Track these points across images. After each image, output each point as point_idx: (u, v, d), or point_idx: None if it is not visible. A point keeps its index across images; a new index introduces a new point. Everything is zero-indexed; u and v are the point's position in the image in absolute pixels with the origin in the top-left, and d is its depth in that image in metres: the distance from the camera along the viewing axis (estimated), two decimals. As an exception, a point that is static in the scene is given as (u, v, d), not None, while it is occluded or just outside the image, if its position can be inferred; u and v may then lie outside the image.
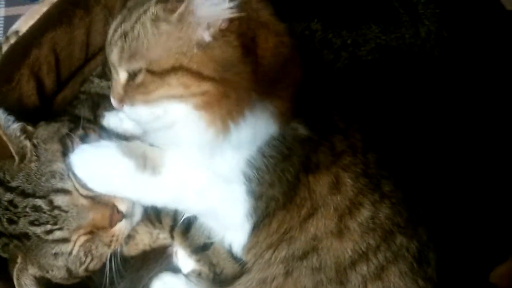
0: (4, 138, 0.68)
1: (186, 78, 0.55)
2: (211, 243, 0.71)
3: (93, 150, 0.66)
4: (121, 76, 0.60)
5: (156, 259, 0.80)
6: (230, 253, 0.70)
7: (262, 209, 0.62)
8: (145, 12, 0.57)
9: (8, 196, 0.69)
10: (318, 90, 0.64)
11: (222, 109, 0.55)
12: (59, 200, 0.67)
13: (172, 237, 0.77)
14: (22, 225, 0.68)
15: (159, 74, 0.56)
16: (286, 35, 0.60)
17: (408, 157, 0.68)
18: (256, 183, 0.60)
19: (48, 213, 0.67)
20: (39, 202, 0.67)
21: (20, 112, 0.80)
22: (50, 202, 0.67)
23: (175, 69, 0.55)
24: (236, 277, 0.68)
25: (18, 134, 0.70)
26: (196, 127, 0.56)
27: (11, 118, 0.70)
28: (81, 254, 0.70)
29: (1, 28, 1.15)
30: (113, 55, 0.60)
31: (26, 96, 0.80)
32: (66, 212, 0.67)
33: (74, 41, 0.84)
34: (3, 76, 0.76)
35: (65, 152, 0.69)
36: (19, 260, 0.69)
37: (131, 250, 0.79)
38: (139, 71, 0.57)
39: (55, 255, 0.69)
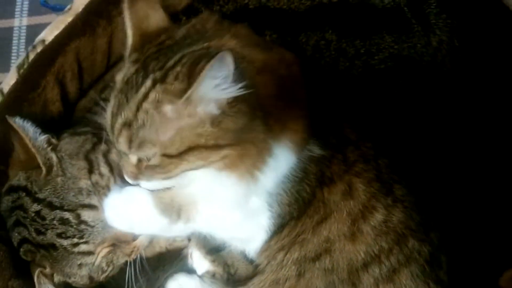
0: (33, 150, 0.70)
1: (204, 152, 0.55)
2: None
3: (125, 201, 0.66)
4: (133, 159, 0.59)
5: (171, 260, 0.81)
6: (244, 254, 0.71)
7: (279, 223, 0.63)
8: (144, 97, 0.54)
9: (36, 207, 0.70)
10: (329, 103, 0.65)
11: (246, 164, 0.56)
12: (86, 215, 0.70)
13: (188, 239, 0.79)
14: (50, 236, 0.70)
15: (176, 156, 0.55)
16: (288, 67, 0.60)
17: (418, 162, 0.69)
18: (276, 207, 0.62)
19: (75, 227, 0.69)
20: (67, 215, 0.69)
21: (45, 119, 0.82)
22: (78, 216, 0.69)
23: (192, 149, 0.55)
24: (250, 277, 0.68)
25: (45, 146, 0.72)
26: (225, 185, 0.57)
27: (38, 130, 0.72)
28: (103, 264, 0.72)
29: (24, 37, 1.19)
30: (121, 145, 0.57)
31: (51, 103, 0.83)
32: (92, 227, 0.70)
33: (97, 50, 0.87)
34: (30, 83, 0.79)
35: (90, 170, 0.71)
36: (47, 270, 0.71)
37: (148, 252, 0.80)
38: (153, 155, 0.56)
39: (80, 265, 0.72)
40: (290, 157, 0.60)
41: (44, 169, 0.70)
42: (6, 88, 0.79)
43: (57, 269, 0.72)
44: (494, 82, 0.72)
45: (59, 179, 0.70)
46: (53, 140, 0.73)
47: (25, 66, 0.80)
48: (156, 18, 0.60)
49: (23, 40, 1.17)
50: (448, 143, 0.72)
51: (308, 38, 0.74)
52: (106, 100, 0.86)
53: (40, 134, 0.72)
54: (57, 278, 0.73)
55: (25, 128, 0.71)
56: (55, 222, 0.69)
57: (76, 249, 0.70)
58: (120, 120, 0.56)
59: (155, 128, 0.54)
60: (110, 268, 0.73)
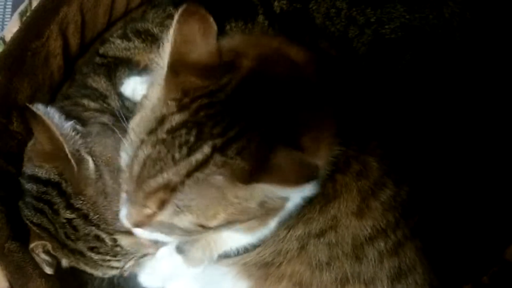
0: (60, 139, 0.64)
1: (236, 223, 0.52)
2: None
3: (156, 264, 0.67)
4: (148, 211, 0.51)
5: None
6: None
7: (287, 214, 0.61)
8: (200, 166, 0.47)
9: (69, 215, 0.66)
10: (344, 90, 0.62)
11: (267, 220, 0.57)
12: (123, 241, 0.66)
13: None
14: (80, 246, 0.67)
15: (212, 228, 0.51)
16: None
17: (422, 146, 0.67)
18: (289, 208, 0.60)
19: (110, 247, 0.66)
20: (103, 235, 0.66)
21: (45, 75, 0.81)
22: (114, 240, 0.66)
23: (230, 222, 0.51)
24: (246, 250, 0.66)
25: (72, 134, 0.67)
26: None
27: (62, 116, 0.68)
28: (125, 271, 0.71)
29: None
30: (150, 204, 0.50)
31: (53, 56, 0.80)
32: (127, 251, 0.67)
33: (100, 3, 0.84)
34: (34, 31, 0.76)
35: None
36: (64, 261, 0.70)
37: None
38: (186, 222, 0.50)
39: (104, 274, 0.70)
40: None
41: (74, 163, 0.65)
42: (8, 36, 0.75)
43: (76, 261, 0.69)
44: (505, 59, 0.70)
45: (101, 189, 0.65)
46: (78, 127, 0.68)
47: (28, 14, 0.76)
48: (204, 49, 0.49)
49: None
50: (453, 124, 0.70)
51: (318, 5, 0.72)
52: (103, 56, 0.81)
53: (65, 120, 0.68)
54: (64, 261, 0.70)
55: (50, 115, 0.66)
56: (89, 237, 0.66)
57: (106, 264, 0.68)
58: (158, 180, 0.48)
59: (203, 202, 0.49)
60: (127, 272, 0.72)
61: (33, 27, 0.76)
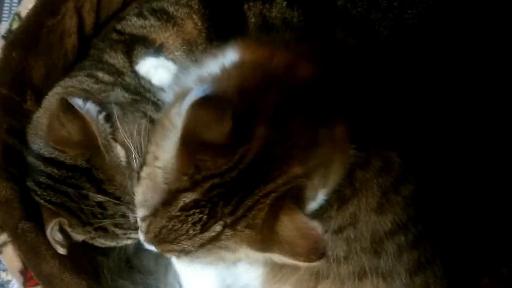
0: (96, 133, 0.65)
1: None
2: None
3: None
4: None
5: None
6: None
7: None
8: (212, 240, 0.51)
9: (100, 198, 0.66)
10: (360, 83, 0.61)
11: None
12: None
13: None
14: (107, 224, 0.67)
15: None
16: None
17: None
18: None
19: (133, 222, 0.66)
20: (128, 212, 0.66)
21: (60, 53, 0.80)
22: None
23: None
24: None
25: (104, 125, 0.67)
26: None
27: (96, 107, 0.68)
28: None
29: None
30: (166, 254, 0.54)
31: (67, 34, 0.78)
32: None
33: None
34: (49, 8, 0.74)
35: None
36: (78, 237, 0.69)
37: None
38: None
39: (120, 244, 0.70)
40: None
41: (105, 153, 0.66)
42: (24, 12, 0.74)
43: (92, 237, 0.69)
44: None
45: (128, 180, 0.66)
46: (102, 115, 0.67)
47: None
48: (218, 132, 0.48)
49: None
50: (474, 117, 0.68)
51: None
52: (120, 33, 0.79)
53: (98, 112, 0.67)
54: (79, 236, 0.70)
55: (88, 111, 0.66)
56: (117, 215, 0.67)
57: (126, 236, 0.69)
58: (174, 246, 0.52)
59: (216, 257, 0.53)
60: None
61: (49, 4, 0.75)
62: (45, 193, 0.68)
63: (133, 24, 0.77)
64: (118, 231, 0.68)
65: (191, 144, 0.48)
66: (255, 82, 0.53)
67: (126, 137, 0.67)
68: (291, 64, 0.56)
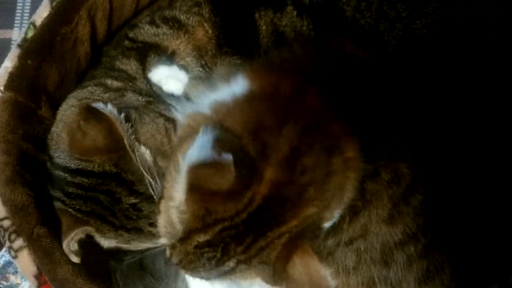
0: (122, 134, 0.65)
1: None
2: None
3: None
4: None
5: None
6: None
7: None
8: (228, 273, 0.53)
9: (133, 200, 0.67)
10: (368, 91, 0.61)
11: None
12: None
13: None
14: (142, 224, 0.68)
15: None
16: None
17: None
18: None
19: None
20: None
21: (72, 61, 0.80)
22: None
23: None
24: None
25: (126, 125, 0.67)
26: None
27: (115, 108, 0.68)
28: None
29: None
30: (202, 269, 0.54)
31: (80, 42, 0.79)
32: None
33: None
34: (63, 16, 0.76)
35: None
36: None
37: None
38: None
39: (152, 243, 0.69)
40: None
41: (132, 154, 0.66)
42: (38, 21, 0.75)
43: (126, 240, 0.69)
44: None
45: (156, 178, 0.66)
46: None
47: None
48: (222, 183, 0.49)
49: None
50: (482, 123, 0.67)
51: None
52: (133, 40, 0.80)
53: (118, 113, 0.67)
54: (110, 241, 0.70)
55: (111, 112, 0.66)
56: (151, 214, 0.67)
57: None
58: (194, 274, 0.55)
59: (233, 283, 0.55)
60: None
61: (63, 13, 0.76)
62: (74, 202, 0.68)
63: (146, 32, 0.78)
64: (154, 230, 0.67)
65: (199, 192, 0.50)
66: (266, 119, 0.53)
67: (147, 137, 0.68)
68: (300, 92, 0.56)
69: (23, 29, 0.78)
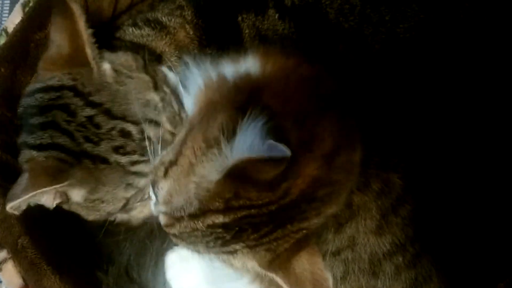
0: (85, 37, 0.61)
1: None
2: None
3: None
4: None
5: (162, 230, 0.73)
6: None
7: None
8: (230, 254, 0.52)
9: (89, 111, 0.61)
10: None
11: None
12: (152, 131, 0.62)
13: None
14: (104, 149, 0.61)
15: None
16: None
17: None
18: None
19: (138, 142, 0.61)
20: (130, 127, 0.61)
21: None
22: (141, 132, 0.61)
23: None
24: None
25: (93, 40, 0.64)
26: None
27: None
28: (148, 189, 0.62)
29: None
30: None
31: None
32: (155, 145, 0.62)
33: None
34: (36, 22, 0.73)
35: (155, 85, 0.64)
36: (67, 181, 0.61)
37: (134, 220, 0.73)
38: None
39: (127, 186, 0.63)
40: None
41: (94, 66, 0.62)
42: (11, 27, 0.72)
43: (91, 187, 0.62)
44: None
45: (120, 88, 0.62)
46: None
47: (31, 4, 0.73)
48: (270, 174, 0.46)
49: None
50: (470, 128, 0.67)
51: (332, 1, 0.70)
52: (121, 40, 0.77)
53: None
54: (79, 196, 0.64)
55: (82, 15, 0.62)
56: (113, 132, 0.61)
57: (133, 168, 0.62)
58: (189, 246, 0.54)
59: (225, 263, 0.54)
60: (146, 197, 0.65)
61: (36, 18, 0.73)
62: (35, 137, 0.63)
63: (131, 33, 0.77)
64: (122, 159, 0.61)
65: (237, 178, 0.47)
66: (306, 103, 0.51)
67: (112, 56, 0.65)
68: (320, 78, 0.55)
69: (-5, 36, 0.74)
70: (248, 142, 0.46)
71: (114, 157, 0.62)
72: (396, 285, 0.60)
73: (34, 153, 0.63)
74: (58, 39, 0.64)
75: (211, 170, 0.49)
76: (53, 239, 0.72)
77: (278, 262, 0.51)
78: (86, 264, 0.73)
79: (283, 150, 0.43)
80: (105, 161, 0.62)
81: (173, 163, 0.53)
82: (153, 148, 0.61)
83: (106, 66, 0.64)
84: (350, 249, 0.59)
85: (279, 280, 0.51)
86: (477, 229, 0.65)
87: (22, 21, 0.72)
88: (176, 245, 0.69)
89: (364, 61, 0.68)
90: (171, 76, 0.74)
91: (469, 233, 0.65)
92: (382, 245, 0.59)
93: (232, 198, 0.48)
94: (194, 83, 0.60)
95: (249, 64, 0.56)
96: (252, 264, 0.53)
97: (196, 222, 0.50)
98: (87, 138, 0.61)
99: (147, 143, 0.61)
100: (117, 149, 0.62)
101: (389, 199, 0.59)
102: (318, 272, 0.49)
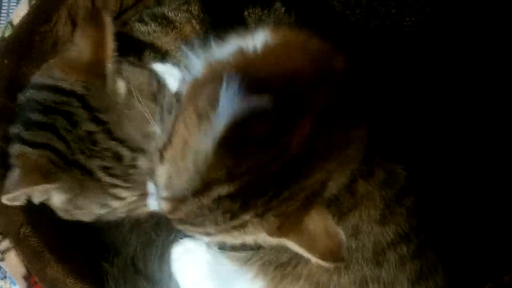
0: (109, 51, 0.61)
1: None
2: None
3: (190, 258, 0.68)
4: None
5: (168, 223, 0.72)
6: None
7: None
8: (239, 226, 0.51)
9: (91, 127, 0.62)
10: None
11: None
12: (142, 161, 0.62)
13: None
14: (94, 165, 0.62)
15: None
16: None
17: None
18: None
19: (125, 168, 0.62)
20: (124, 152, 0.62)
21: None
22: (133, 159, 0.62)
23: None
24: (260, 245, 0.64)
25: (116, 53, 0.63)
26: None
27: None
28: (122, 210, 0.67)
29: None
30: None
31: (61, 42, 0.76)
32: (141, 175, 0.63)
33: None
34: (42, 15, 0.73)
35: (161, 117, 0.62)
36: (57, 184, 0.61)
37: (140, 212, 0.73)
38: None
39: (103, 205, 0.65)
40: None
41: (110, 83, 0.62)
42: (16, 20, 0.73)
43: (70, 189, 0.63)
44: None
45: (127, 112, 0.62)
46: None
47: None
48: (261, 129, 0.46)
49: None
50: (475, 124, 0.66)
51: None
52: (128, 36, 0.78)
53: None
54: (58, 196, 0.64)
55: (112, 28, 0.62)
56: (107, 153, 0.62)
57: (112, 191, 0.64)
58: (198, 229, 0.52)
59: (235, 239, 0.53)
60: (124, 215, 0.68)
61: (41, 11, 0.73)
62: (30, 133, 0.63)
63: (137, 29, 0.76)
64: (105, 178, 0.62)
65: (231, 142, 0.46)
66: (305, 70, 0.51)
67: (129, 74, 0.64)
68: (330, 54, 0.55)
69: (0, 29, 0.74)
70: (230, 104, 0.46)
71: (100, 175, 0.63)
72: (401, 276, 0.60)
73: (27, 149, 0.63)
74: (81, 45, 0.64)
75: (206, 141, 0.48)
76: (57, 228, 0.72)
77: (289, 225, 0.50)
78: (90, 254, 0.72)
79: (263, 100, 0.44)
80: (91, 175, 0.63)
81: (167, 144, 0.53)
82: (137, 177, 0.63)
83: (121, 85, 0.64)
84: (353, 238, 0.59)
85: (291, 244, 0.50)
86: (482, 221, 0.65)
87: (28, 14, 0.73)
88: (182, 237, 0.69)
89: (371, 54, 0.67)
90: (176, 72, 0.74)
91: (474, 225, 0.64)
92: (386, 234, 0.58)
93: (232, 165, 0.47)
94: (193, 70, 0.61)
95: (257, 40, 0.56)
96: (263, 236, 0.52)
97: (201, 198, 0.49)
98: (81, 150, 0.62)
99: (132, 171, 0.63)
100: (105, 169, 0.63)
101: (393, 189, 0.58)
102: (330, 226, 0.49)
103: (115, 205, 0.65)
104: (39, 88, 0.66)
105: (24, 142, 0.63)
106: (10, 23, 0.73)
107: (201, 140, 0.49)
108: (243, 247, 0.65)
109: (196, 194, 0.49)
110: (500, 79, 0.67)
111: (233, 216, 0.49)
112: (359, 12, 0.69)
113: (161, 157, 0.53)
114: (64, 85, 0.63)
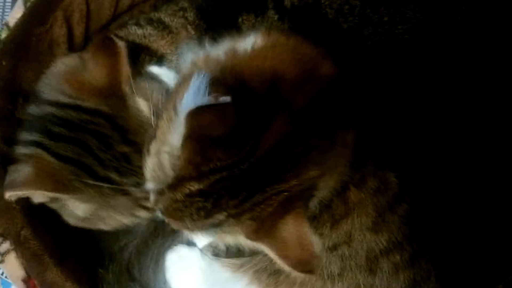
0: (126, 75, 0.61)
1: None
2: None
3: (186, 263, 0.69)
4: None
5: (164, 230, 0.74)
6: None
7: None
8: (216, 226, 0.51)
9: (125, 148, 0.62)
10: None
11: None
12: None
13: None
14: (129, 182, 0.62)
15: None
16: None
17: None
18: None
19: None
20: None
21: (50, 62, 0.73)
22: None
23: None
24: (254, 252, 0.65)
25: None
26: None
27: None
28: (146, 218, 0.67)
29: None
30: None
31: (57, 44, 0.77)
32: None
33: None
34: (37, 17, 0.74)
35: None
36: (76, 194, 0.61)
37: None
38: None
39: (131, 215, 0.66)
40: None
41: (131, 103, 0.62)
42: (12, 21, 0.74)
43: (98, 205, 0.63)
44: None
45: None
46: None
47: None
48: (223, 128, 0.46)
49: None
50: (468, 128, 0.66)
51: (331, 1, 0.70)
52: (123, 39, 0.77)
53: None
54: (80, 210, 0.64)
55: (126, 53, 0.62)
56: (141, 170, 0.59)
57: (144, 202, 0.64)
58: (177, 223, 0.52)
59: (218, 239, 0.55)
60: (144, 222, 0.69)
61: (37, 13, 0.74)
62: (55, 145, 0.62)
63: (134, 32, 0.77)
64: (138, 193, 0.63)
65: (197, 138, 0.46)
66: (288, 71, 0.51)
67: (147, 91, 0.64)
68: (317, 58, 0.55)
69: (-2, 30, 0.75)
70: (193, 101, 0.46)
71: (134, 190, 0.64)
72: (394, 284, 0.60)
73: (47, 156, 0.62)
74: (94, 71, 0.63)
75: (176, 136, 0.49)
76: (56, 232, 0.72)
77: (264, 229, 0.49)
78: (87, 260, 0.73)
79: (222, 98, 0.44)
80: (123, 190, 0.63)
81: (152, 138, 0.54)
82: None
83: (143, 104, 0.64)
84: (346, 245, 0.59)
85: (265, 248, 0.50)
86: (475, 229, 0.65)
87: (23, 15, 0.74)
88: (176, 244, 0.70)
89: (363, 61, 0.68)
90: (172, 75, 0.75)
91: (468, 233, 0.64)
92: (379, 242, 0.59)
93: (202, 163, 0.47)
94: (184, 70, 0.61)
95: (248, 42, 0.56)
96: (242, 238, 0.52)
97: (174, 193, 0.49)
98: (116, 168, 0.63)
99: None
100: (138, 184, 0.63)
101: (385, 197, 0.59)
102: (304, 235, 0.48)
103: (144, 216, 0.67)
104: (57, 106, 0.64)
105: (44, 148, 0.63)
106: (6, 25, 0.74)
107: (172, 136, 0.50)
108: (237, 254, 0.67)
109: (170, 188, 0.49)
110: (491, 88, 0.68)
111: (208, 214, 0.49)
112: (352, 20, 0.69)
113: (148, 149, 0.54)
114: (86, 104, 0.63)
